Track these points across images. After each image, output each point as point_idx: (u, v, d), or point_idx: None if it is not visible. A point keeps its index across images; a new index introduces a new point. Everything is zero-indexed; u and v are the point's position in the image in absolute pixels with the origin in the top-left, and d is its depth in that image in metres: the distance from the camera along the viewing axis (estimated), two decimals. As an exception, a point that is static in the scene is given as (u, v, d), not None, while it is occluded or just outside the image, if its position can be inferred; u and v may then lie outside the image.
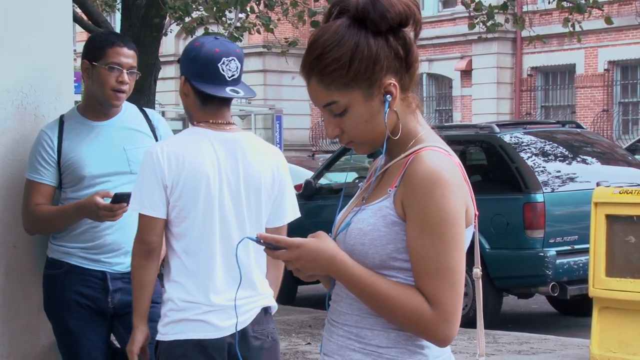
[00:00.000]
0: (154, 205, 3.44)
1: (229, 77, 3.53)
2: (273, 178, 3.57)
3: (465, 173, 2.24)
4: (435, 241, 2.14)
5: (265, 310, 3.61)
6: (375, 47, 2.20)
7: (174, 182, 3.43)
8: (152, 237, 3.46)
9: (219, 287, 3.45)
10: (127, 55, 4.03)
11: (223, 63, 3.52)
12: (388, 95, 2.21)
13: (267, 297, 3.61)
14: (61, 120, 4.05)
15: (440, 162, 2.17)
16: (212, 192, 3.45)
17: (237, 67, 3.55)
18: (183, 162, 3.44)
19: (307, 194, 10.73)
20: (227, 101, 3.55)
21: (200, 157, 3.46)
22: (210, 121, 3.53)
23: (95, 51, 4.03)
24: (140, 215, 3.46)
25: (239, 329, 3.46)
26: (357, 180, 11.45)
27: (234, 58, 3.54)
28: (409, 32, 2.23)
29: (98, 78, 4.00)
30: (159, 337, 3.49)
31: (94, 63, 4.01)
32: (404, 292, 2.16)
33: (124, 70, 4.00)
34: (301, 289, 11.07)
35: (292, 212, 3.67)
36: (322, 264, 2.20)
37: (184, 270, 3.46)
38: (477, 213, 2.27)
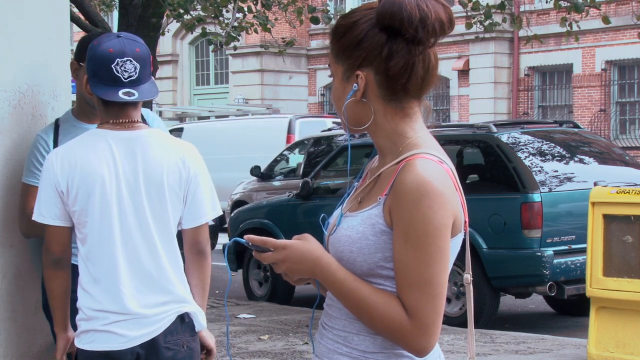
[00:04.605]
0: (51, 213, 3.39)
1: (126, 79, 3.37)
2: (180, 175, 3.42)
3: (458, 180, 2.23)
4: (418, 253, 2.14)
5: (182, 318, 3.45)
6: (364, 34, 2.22)
7: (68, 186, 3.36)
8: (56, 246, 3.42)
9: (126, 293, 3.36)
10: None
11: (117, 64, 3.37)
12: (355, 85, 2.24)
13: (184, 304, 3.46)
14: (56, 124, 4.04)
15: (430, 171, 2.16)
16: (108, 194, 3.36)
17: (134, 68, 3.38)
18: (75, 164, 3.36)
19: (304, 194, 10.73)
20: (131, 101, 3.41)
21: (93, 159, 3.36)
22: (111, 121, 3.43)
23: (84, 52, 4.01)
24: (44, 225, 3.43)
25: (147, 340, 3.39)
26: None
27: (130, 58, 3.37)
28: (410, 48, 2.21)
29: (85, 79, 3.99)
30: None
31: (81, 64, 3.99)
32: (384, 300, 2.17)
33: None
34: (298, 289, 11.08)
35: (212, 210, 3.50)
36: (308, 266, 2.20)
37: (90, 278, 3.40)
38: (466, 220, 2.27)
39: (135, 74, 3.39)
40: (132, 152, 3.40)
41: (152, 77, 3.52)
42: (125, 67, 3.38)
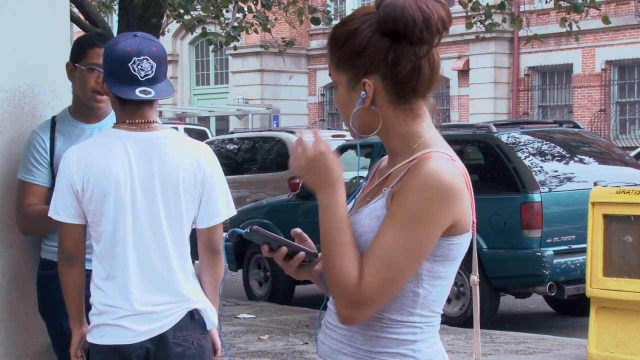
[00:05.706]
0: (66, 211, 3.42)
1: (142, 77, 3.40)
2: (195, 177, 3.45)
3: (469, 179, 2.23)
4: (395, 234, 2.13)
5: (192, 315, 3.48)
6: (366, 41, 2.21)
7: (84, 185, 3.39)
8: (69, 243, 3.45)
9: (135, 292, 3.40)
10: None
11: (134, 63, 3.39)
12: (363, 92, 2.23)
13: (194, 302, 3.49)
14: (53, 122, 4.04)
15: (442, 167, 2.16)
16: (122, 194, 3.39)
17: (151, 67, 3.41)
18: (92, 164, 3.39)
19: (304, 194, 10.73)
20: (147, 100, 3.44)
21: (109, 159, 3.40)
22: (128, 121, 3.45)
23: (77, 53, 4.01)
24: (59, 222, 3.46)
25: (155, 335, 3.41)
26: (354, 180, 11.44)
27: (147, 57, 3.40)
28: (416, 51, 2.21)
29: (80, 79, 3.99)
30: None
31: (76, 65, 3.99)
32: (352, 257, 2.15)
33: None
34: (298, 289, 11.08)
35: (226, 210, 3.54)
36: (321, 180, 2.18)
37: (103, 274, 3.44)
38: (475, 220, 2.26)
39: (152, 72, 3.42)
40: (147, 154, 3.42)
41: (168, 77, 3.54)
42: (142, 66, 3.40)
